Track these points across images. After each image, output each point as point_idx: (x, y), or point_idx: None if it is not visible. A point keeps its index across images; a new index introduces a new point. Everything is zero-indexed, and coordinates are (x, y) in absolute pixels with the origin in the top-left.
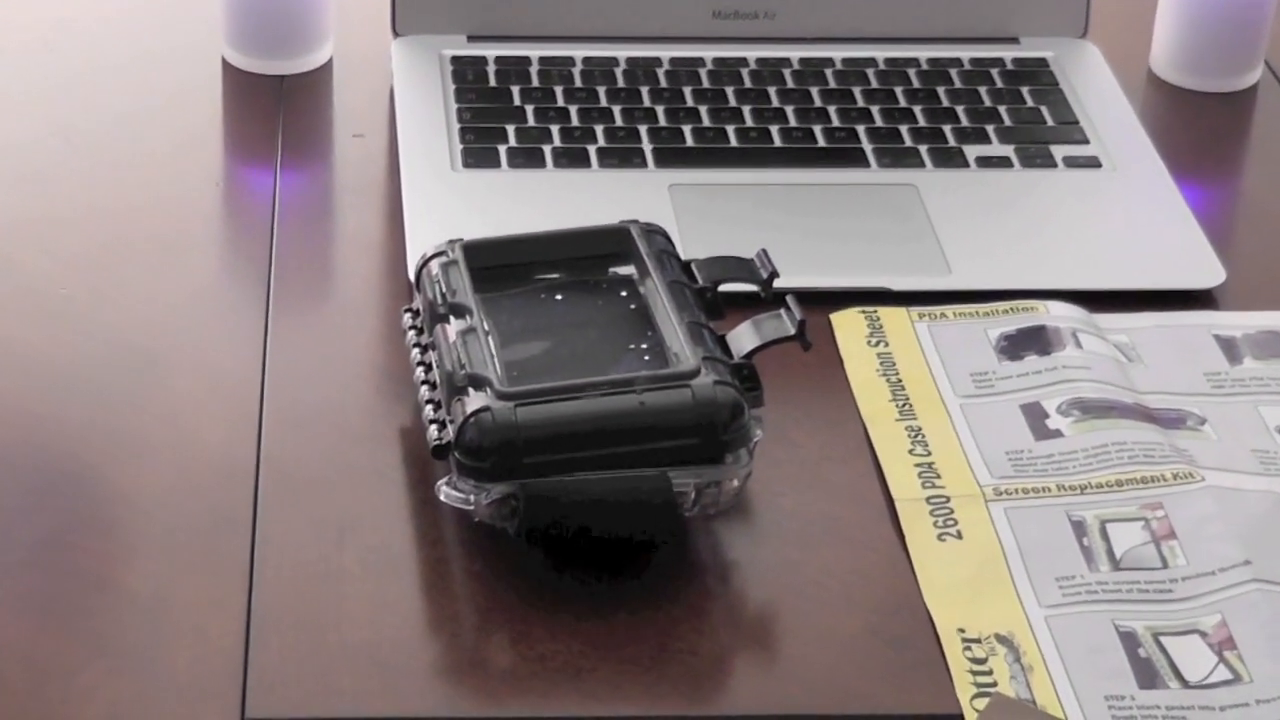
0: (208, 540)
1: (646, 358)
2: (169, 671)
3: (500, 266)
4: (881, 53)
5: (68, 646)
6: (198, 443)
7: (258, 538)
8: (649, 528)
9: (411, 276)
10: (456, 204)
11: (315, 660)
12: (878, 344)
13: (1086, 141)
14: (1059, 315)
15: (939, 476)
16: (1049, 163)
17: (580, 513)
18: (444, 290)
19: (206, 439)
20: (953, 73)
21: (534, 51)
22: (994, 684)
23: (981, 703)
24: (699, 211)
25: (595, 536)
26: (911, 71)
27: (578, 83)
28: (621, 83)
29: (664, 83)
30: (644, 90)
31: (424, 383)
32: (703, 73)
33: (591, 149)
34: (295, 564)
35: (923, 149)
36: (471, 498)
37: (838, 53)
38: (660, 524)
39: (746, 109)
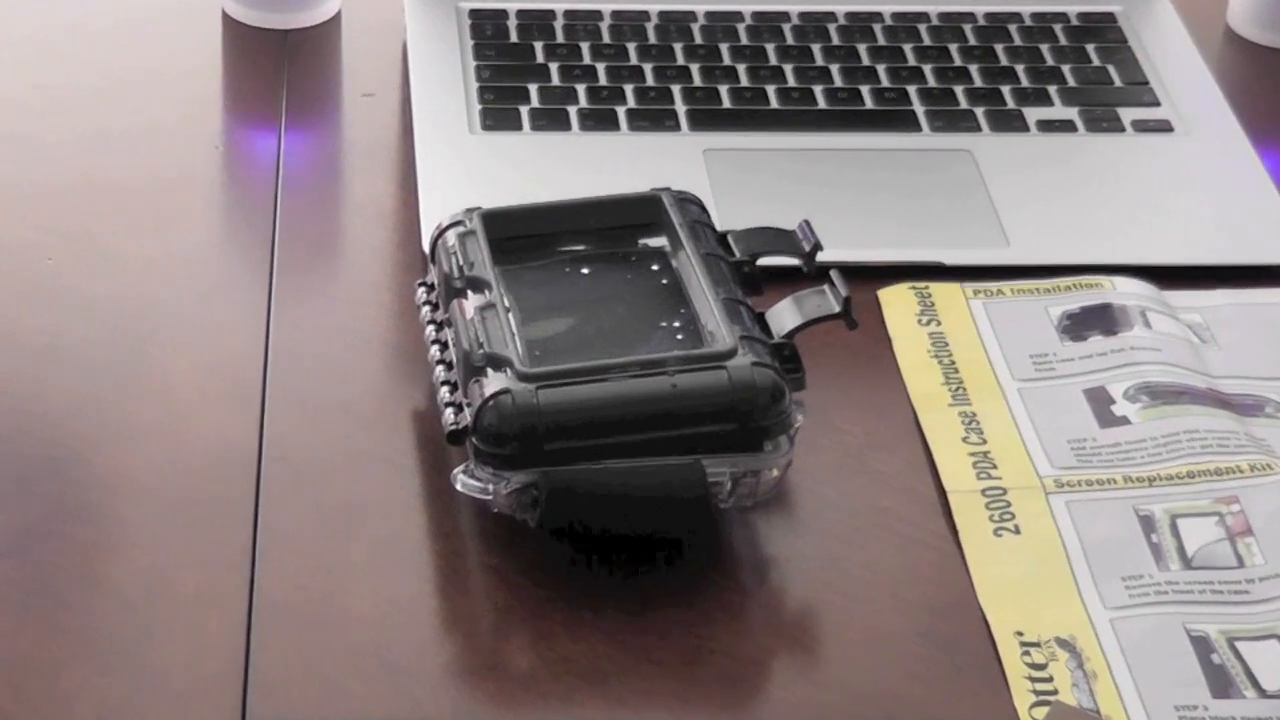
0: (205, 531)
1: (679, 336)
2: (162, 672)
3: (521, 237)
4: (935, 7)
5: (51, 644)
6: (195, 426)
7: (259, 529)
8: (681, 520)
9: (426, 248)
10: (474, 169)
11: (320, 661)
12: (929, 323)
13: (1157, 103)
14: (1126, 292)
15: (995, 466)
16: (1116, 126)
17: (606, 504)
18: (461, 263)
19: (204, 422)
20: (1012, 29)
21: (559, 4)
22: (1054, 692)
23: (1041, 712)
24: (736, 178)
25: (623, 529)
26: (967, 27)
27: (606, 38)
28: (653, 39)
29: (699, 39)
30: (677, 47)
31: (439, 362)
32: (741, 28)
33: (620, 110)
34: (299, 557)
35: (979, 111)
36: (490, 487)
37: (887, 6)
38: (693, 516)
39: (788, 68)
